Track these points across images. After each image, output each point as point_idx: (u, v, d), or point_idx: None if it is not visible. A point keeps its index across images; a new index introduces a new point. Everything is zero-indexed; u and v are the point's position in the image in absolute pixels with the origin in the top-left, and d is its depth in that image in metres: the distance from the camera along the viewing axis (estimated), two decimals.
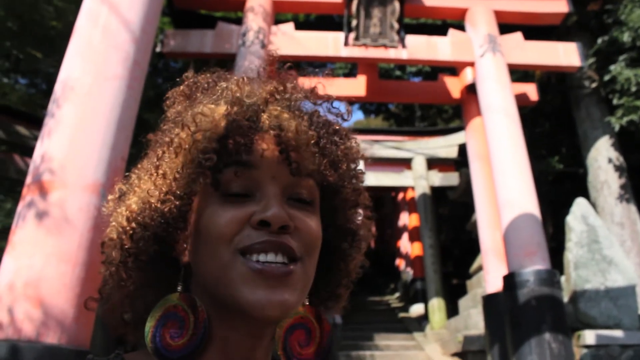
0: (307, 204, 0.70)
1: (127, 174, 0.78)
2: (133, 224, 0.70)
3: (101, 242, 0.74)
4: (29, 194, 3.37)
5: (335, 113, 0.79)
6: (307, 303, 0.76)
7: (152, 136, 0.77)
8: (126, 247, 0.70)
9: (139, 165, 0.77)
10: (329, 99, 0.79)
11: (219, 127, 0.67)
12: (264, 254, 0.64)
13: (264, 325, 0.67)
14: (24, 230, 3.25)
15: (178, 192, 0.68)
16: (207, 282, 0.67)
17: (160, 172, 0.70)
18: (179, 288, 0.70)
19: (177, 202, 0.68)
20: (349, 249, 0.79)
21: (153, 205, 0.69)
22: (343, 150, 0.75)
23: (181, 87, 0.80)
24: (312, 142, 0.70)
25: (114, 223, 0.73)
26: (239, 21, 7.78)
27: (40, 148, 3.54)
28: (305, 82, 0.79)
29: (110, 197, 0.77)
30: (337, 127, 0.76)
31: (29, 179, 3.44)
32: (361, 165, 0.82)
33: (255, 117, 0.69)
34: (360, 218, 0.81)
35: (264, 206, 0.65)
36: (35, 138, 3.63)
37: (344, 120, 0.79)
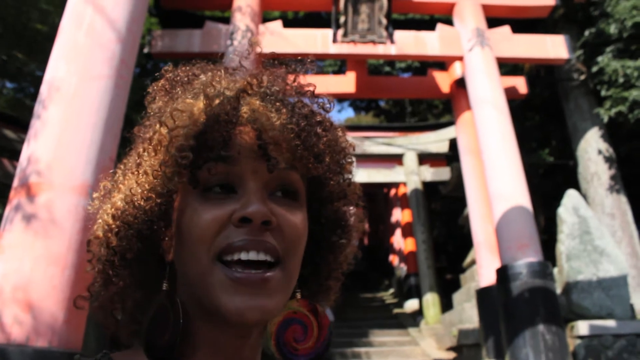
0: (291, 198, 0.69)
1: (112, 171, 0.77)
2: (118, 222, 0.69)
3: (87, 240, 0.73)
4: (16, 196, 3.34)
5: (318, 103, 0.77)
6: (300, 297, 0.75)
7: (137, 130, 0.76)
8: (112, 245, 0.69)
9: (124, 162, 0.76)
10: (311, 89, 0.77)
11: (196, 122, 0.66)
12: (245, 252, 0.63)
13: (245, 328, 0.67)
14: (12, 233, 3.21)
15: (159, 190, 0.67)
16: (189, 284, 0.66)
17: (142, 169, 0.69)
18: (165, 286, 0.69)
19: (158, 200, 0.67)
20: (338, 241, 0.78)
21: (136, 203, 0.68)
22: (326, 142, 0.73)
23: (161, 82, 0.79)
24: (292, 135, 0.69)
25: (100, 220, 0.72)
26: (226, 20, 7.75)
27: (26, 150, 3.50)
28: (291, 77, 0.78)
29: (95, 194, 0.76)
30: (321, 119, 0.74)
31: (15, 182, 3.41)
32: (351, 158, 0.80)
33: (233, 110, 0.68)
34: (350, 209, 0.80)
35: (245, 202, 0.64)
36: (23, 142, 3.60)
37: (326, 110, 0.77)
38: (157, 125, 0.68)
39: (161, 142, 0.67)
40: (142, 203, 0.68)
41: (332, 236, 0.78)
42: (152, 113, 0.75)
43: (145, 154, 0.69)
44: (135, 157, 0.71)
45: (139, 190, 0.68)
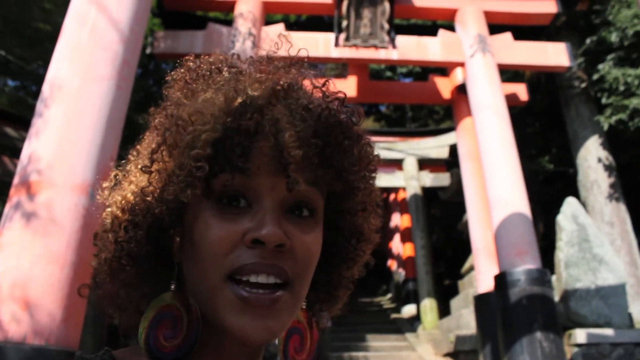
0: (308, 216, 0.66)
1: (123, 161, 0.74)
2: (128, 216, 0.67)
3: (94, 233, 0.71)
4: (16, 194, 3.34)
5: (346, 113, 0.71)
6: (305, 306, 0.74)
7: (152, 113, 0.72)
8: (120, 240, 0.67)
9: (137, 149, 0.72)
10: (340, 98, 0.71)
11: (216, 127, 0.62)
12: (254, 275, 0.61)
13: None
14: (11, 231, 3.22)
15: (170, 197, 0.64)
16: (195, 295, 0.65)
17: (155, 168, 0.65)
18: (173, 287, 0.66)
19: (170, 205, 0.64)
20: (353, 251, 0.76)
21: (147, 203, 0.65)
22: (351, 157, 0.69)
23: (182, 71, 0.74)
24: (317, 150, 0.64)
25: (109, 209, 0.69)
26: (229, 22, 7.76)
27: (27, 148, 3.50)
28: (318, 81, 0.73)
29: (105, 184, 0.73)
30: (348, 131, 0.69)
31: (16, 180, 3.41)
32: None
33: (256, 120, 0.63)
34: (368, 218, 0.76)
35: (259, 222, 0.61)
36: (25, 140, 3.60)
37: (354, 123, 0.71)
38: (174, 125, 0.64)
39: (177, 142, 0.63)
40: (153, 203, 0.65)
41: (347, 245, 0.75)
42: (169, 103, 0.71)
43: (160, 153, 0.65)
44: (149, 153, 0.67)
45: (150, 189, 0.65)
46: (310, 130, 0.64)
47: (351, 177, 0.69)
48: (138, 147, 0.73)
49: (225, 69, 0.71)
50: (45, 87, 3.67)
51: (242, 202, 0.63)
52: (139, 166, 0.69)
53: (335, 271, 0.77)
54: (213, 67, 0.72)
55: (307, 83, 0.72)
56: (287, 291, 0.62)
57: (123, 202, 0.68)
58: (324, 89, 0.71)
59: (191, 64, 0.74)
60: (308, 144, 0.63)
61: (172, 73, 0.75)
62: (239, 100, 0.64)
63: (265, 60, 0.73)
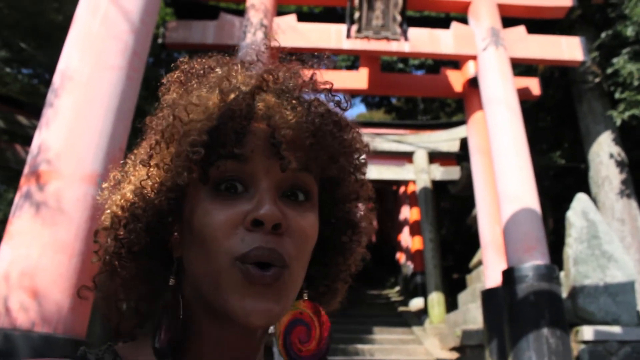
0: (303, 199, 0.68)
1: (122, 161, 0.76)
2: (127, 214, 0.68)
3: (95, 230, 0.73)
4: (26, 184, 3.37)
5: (335, 102, 0.75)
6: (306, 298, 0.75)
7: (149, 121, 0.75)
8: (119, 237, 0.68)
9: (135, 152, 0.75)
10: (328, 87, 0.75)
11: (211, 117, 0.65)
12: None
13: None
14: (21, 220, 3.26)
15: (169, 184, 0.66)
16: (198, 283, 0.66)
17: (153, 162, 0.68)
18: (171, 282, 0.68)
19: (169, 195, 0.66)
20: (348, 243, 0.77)
21: (146, 196, 0.67)
22: (342, 142, 0.72)
23: (176, 73, 0.77)
24: (307, 134, 0.67)
25: (108, 211, 0.71)
26: (241, 12, 7.75)
27: (38, 138, 3.54)
28: (306, 72, 0.76)
29: (105, 184, 0.75)
30: (337, 118, 0.73)
31: (26, 169, 3.45)
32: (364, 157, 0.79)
33: (248, 107, 0.66)
34: (362, 210, 0.79)
35: (257, 203, 0.63)
36: (36, 128, 3.64)
37: (343, 109, 0.75)
38: (171, 118, 0.67)
39: (174, 136, 0.66)
40: (152, 196, 0.67)
41: (342, 237, 0.77)
42: (165, 104, 0.74)
43: (158, 146, 0.68)
44: (147, 149, 0.69)
45: (150, 183, 0.67)
46: (301, 115, 0.67)
47: (342, 160, 0.72)
48: (136, 151, 0.75)
49: (218, 67, 0.74)
50: (56, 77, 3.70)
51: (239, 187, 0.65)
52: (138, 165, 0.71)
53: (332, 263, 0.78)
54: (206, 66, 0.75)
55: (297, 76, 0.74)
56: (286, 273, 0.64)
57: (122, 200, 0.70)
58: (312, 80, 0.74)
59: (185, 66, 0.77)
60: (299, 127, 0.66)
61: (167, 75, 0.78)
62: (231, 91, 0.67)
63: (257, 57, 0.77)
